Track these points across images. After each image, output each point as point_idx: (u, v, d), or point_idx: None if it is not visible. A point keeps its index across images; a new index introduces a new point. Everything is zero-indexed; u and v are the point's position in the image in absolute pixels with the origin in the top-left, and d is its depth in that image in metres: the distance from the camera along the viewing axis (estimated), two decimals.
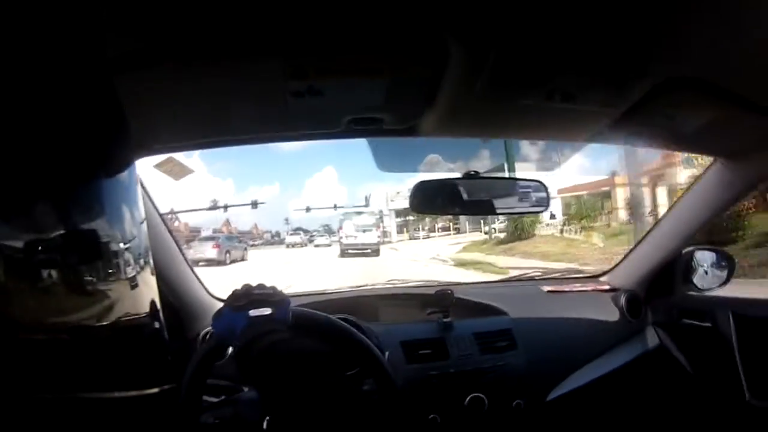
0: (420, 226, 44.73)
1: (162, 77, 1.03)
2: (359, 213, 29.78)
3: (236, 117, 1.31)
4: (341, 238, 27.24)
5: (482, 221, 32.37)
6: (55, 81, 0.62)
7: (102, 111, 0.74)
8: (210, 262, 19.24)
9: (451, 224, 43.08)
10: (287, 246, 42.20)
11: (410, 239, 40.91)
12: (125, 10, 0.78)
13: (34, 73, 0.58)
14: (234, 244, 25.42)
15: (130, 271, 0.76)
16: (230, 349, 1.38)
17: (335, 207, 45.72)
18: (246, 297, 1.17)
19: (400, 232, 44.92)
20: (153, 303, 0.82)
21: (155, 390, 0.82)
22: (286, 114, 1.25)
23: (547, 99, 1.19)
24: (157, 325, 0.84)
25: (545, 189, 1.71)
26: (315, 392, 0.92)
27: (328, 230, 49.90)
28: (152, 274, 0.85)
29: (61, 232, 0.63)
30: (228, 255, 22.16)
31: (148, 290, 0.82)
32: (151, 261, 0.85)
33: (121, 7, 0.77)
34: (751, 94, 1.23)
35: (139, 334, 0.80)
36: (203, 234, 31.78)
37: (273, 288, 1.23)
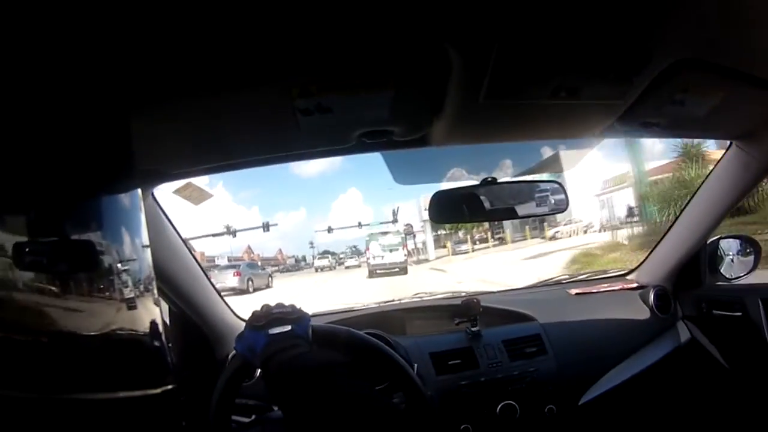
0: (454, 239, 41.81)
1: (176, 110, 1.08)
2: (384, 233, 29.71)
3: (251, 140, 1.36)
4: (368, 258, 27.57)
5: (546, 224, 31.59)
6: (64, 114, 0.66)
7: (105, 142, 0.79)
8: (232, 292, 18.87)
9: (488, 234, 40.28)
10: (316, 270, 42.87)
11: (453, 254, 35.29)
12: (135, 49, 0.83)
13: (46, 105, 0.62)
14: (257, 271, 24.90)
15: (128, 292, 0.79)
16: (259, 370, 1.44)
17: (360, 225, 45.08)
18: (265, 316, 1.21)
19: (436, 246, 41.68)
20: (153, 324, 0.84)
21: (154, 407, 0.83)
22: (299, 132, 1.28)
23: (552, 96, 1.21)
24: (157, 344, 0.85)
25: (563, 189, 1.74)
26: (334, 402, 0.93)
27: (356, 251, 50.23)
28: (154, 296, 0.87)
29: (63, 248, 0.67)
30: (251, 283, 21.75)
31: (148, 312, 0.84)
32: (154, 284, 0.88)
33: (132, 47, 0.82)
34: (759, 70, 1.24)
35: (136, 354, 0.81)
36: (218, 263, 31.65)
37: (292, 306, 1.28)
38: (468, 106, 1.22)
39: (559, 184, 1.75)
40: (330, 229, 47.88)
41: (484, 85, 1.12)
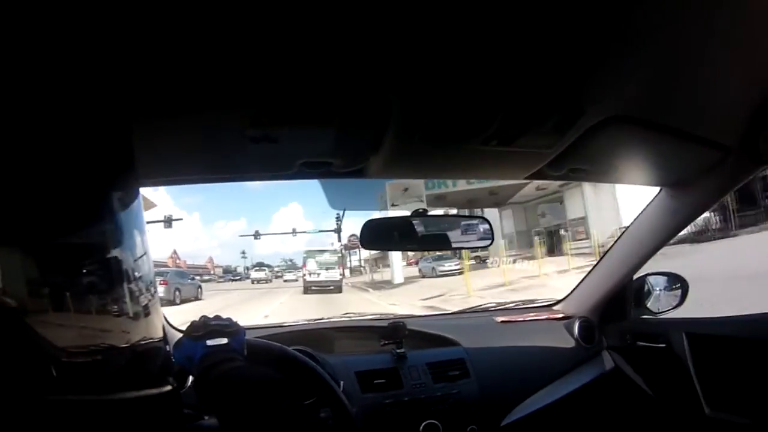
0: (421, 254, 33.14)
1: (143, 129, 1.15)
2: (322, 251, 29.86)
3: (205, 159, 1.45)
4: (305, 275, 27.91)
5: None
6: (71, 126, 0.72)
7: (112, 150, 0.85)
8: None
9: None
10: (252, 281, 43.06)
11: (434, 276, 26.58)
12: (113, 72, 0.91)
13: (54, 121, 0.69)
14: (185, 281, 23.75)
15: (143, 299, 0.84)
16: (191, 379, 1.54)
17: (294, 232, 44.18)
18: (204, 327, 1.31)
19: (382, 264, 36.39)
20: (156, 326, 0.90)
21: (159, 409, 0.89)
22: (247, 157, 1.40)
23: (484, 144, 1.33)
24: (159, 346, 0.92)
25: (489, 223, 1.92)
26: (271, 417, 1.00)
27: (292, 266, 49.83)
28: (156, 298, 0.92)
29: (82, 257, 0.72)
30: (178, 293, 20.64)
31: (158, 316, 0.92)
32: (155, 286, 0.93)
33: (109, 71, 0.90)
34: (686, 125, 1.37)
35: (140, 356, 0.85)
36: None
37: (229, 319, 1.38)
38: (404, 147, 1.36)
39: (485, 218, 1.93)
40: (257, 235, 45.35)
41: (420, 130, 1.26)
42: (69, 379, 0.64)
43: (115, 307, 0.77)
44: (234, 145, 1.34)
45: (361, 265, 43.60)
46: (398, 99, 1.13)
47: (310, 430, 0.99)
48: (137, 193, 0.91)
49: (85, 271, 0.72)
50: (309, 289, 26.05)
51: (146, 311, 0.85)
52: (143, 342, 0.84)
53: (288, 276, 42.55)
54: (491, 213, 27.71)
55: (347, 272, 38.45)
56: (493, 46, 0.95)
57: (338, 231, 39.38)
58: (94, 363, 0.70)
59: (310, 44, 0.91)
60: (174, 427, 1.02)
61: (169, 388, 0.94)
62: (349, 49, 0.94)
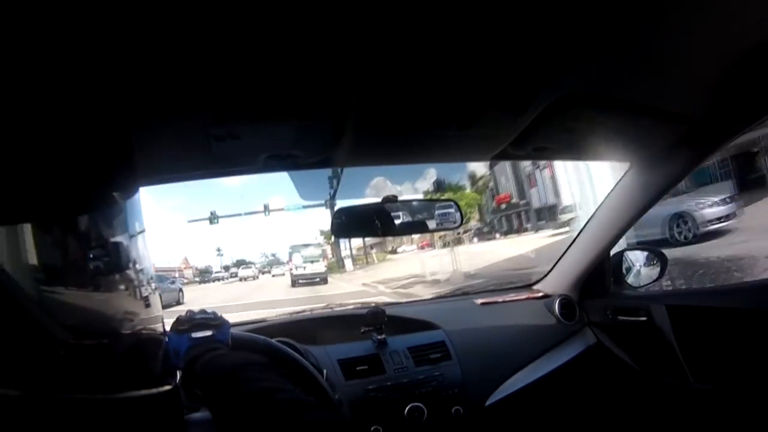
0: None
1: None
2: (306, 245, 30.56)
3: (174, 158, 1.51)
4: (291, 269, 28.73)
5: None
6: (75, 127, 0.75)
7: (115, 147, 0.90)
8: None
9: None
10: (240, 279, 43.03)
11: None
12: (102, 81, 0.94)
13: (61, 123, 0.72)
14: (165, 285, 22.60)
15: (144, 290, 0.88)
16: (178, 376, 1.61)
17: (266, 210, 39.38)
18: (189, 321, 1.37)
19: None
20: (155, 325, 0.94)
21: (155, 398, 0.90)
22: (211, 154, 1.44)
23: (443, 127, 1.39)
24: (159, 345, 0.94)
25: (458, 207, 2.03)
26: (257, 396, 1.03)
27: (276, 261, 50.46)
28: (154, 296, 0.95)
29: (86, 248, 0.75)
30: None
31: (158, 308, 0.95)
32: (154, 284, 0.97)
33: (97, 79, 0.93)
34: (649, 99, 1.40)
35: (141, 354, 0.88)
36: None
37: (214, 313, 1.45)
38: (366, 135, 1.42)
39: (454, 202, 2.03)
40: (214, 218, 37.78)
41: (380, 119, 1.32)
42: (65, 374, 0.65)
43: (121, 295, 0.82)
44: (200, 144, 1.38)
45: (366, 253, 39.00)
46: (353, 88, 1.18)
47: (297, 407, 0.99)
48: (137, 189, 0.94)
49: (83, 263, 0.74)
50: (296, 282, 26.27)
51: (146, 302, 0.90)
52: (145, 332, 0.89)
53: (276, 271, 44.05)
54: None
55: (349, 262, 35.48)
56: (440, 28, 0.99)
57: (331, 205, 32.20)
58: (91, 355, 0.71)
59: (261, 39, 0.96)
60: (174, 428, 1.05)
61: (168, 387, 0.96)
62: (300, 42, 0.98)
